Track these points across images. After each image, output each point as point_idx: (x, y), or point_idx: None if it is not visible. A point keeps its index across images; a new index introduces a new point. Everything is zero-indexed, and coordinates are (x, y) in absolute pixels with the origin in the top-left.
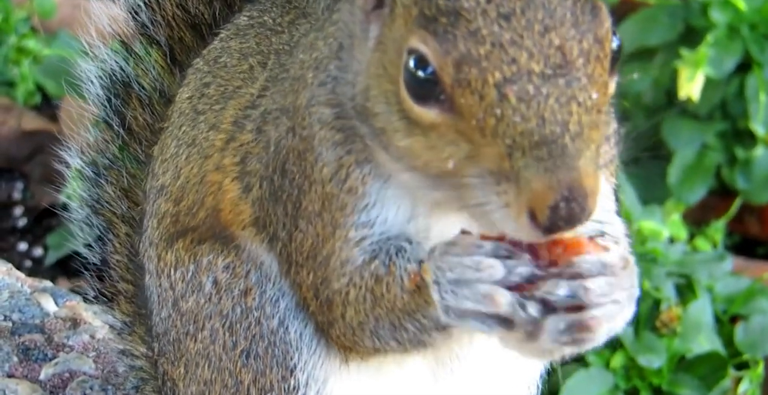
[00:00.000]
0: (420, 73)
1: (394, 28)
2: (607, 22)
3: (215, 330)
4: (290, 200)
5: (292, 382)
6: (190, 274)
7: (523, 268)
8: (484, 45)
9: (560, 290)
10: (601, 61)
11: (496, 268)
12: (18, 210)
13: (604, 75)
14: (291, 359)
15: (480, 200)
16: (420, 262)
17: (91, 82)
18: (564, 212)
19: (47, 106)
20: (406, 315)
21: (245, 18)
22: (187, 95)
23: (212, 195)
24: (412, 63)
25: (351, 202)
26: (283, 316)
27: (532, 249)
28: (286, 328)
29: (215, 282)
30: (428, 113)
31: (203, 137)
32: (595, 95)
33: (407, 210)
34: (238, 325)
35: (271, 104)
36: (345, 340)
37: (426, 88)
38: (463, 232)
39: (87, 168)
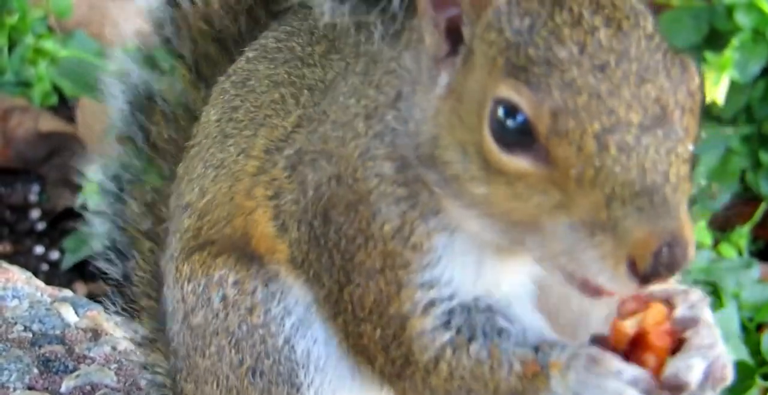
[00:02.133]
0: (509, 123)
1: (471, 77)
2: (697, 77)
3: (222, 347)
4: (337, 250)
5: None
6: (201, 288)
7: None
8: (581, 95)
9: (696, 365)
10: (694, 115)
11: None
12: (35, 213)
13: (695, 128)
14: (297, 376)
15: (570, 252)
16: (536, 349)
17: (115, 96)
18: (667, 258)
19: (64, 107)
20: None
21: (272, 40)
22: (215, 118)
23: (242, 216)
24: (501, 112)
25: (415, 259)
26: (288, 335)
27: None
28: (292, 347)
29: (224, 298)
30: (519, 163)
31: (232, 160)
32: (690, 147)
33: (473, 267)
34: (244, 342)
35: (307, 144)
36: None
37: (516, 138)
38: (597, 340)
39: (110, 183)
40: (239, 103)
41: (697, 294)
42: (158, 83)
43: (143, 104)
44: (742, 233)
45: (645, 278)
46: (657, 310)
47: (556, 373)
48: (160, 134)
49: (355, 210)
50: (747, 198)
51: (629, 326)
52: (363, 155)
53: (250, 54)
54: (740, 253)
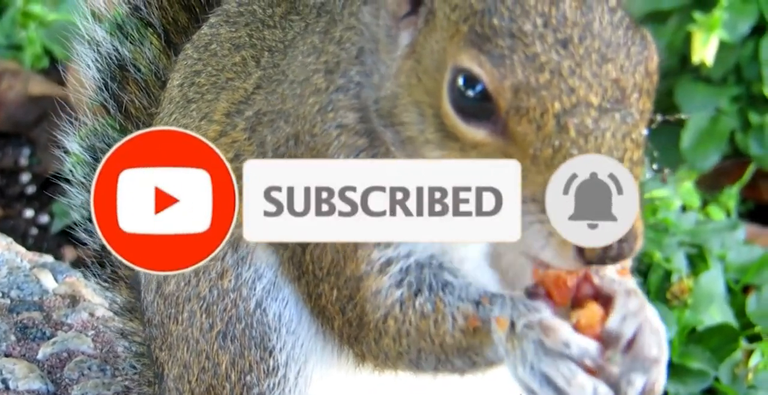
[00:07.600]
0: (469, 93)
1: (432, 39)
2: (656, 55)
3: (193, 313)
4: None
5: (272, 363)
6: None
7: (604, 388)
8: (543, 73)
9: (637, 380)
10: (650, 96)
11: (587, 390)
12: (25, 177)
13: (650, 110)
14: (269, 340)
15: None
16: (477, 303)
17: (88, 66)
18: (615, 252)
19: (55, 70)
20: (455, 351)
21: (234, 4)
22: (177, 82)
23: None
24: (461, 82)
25: None
26: (260, 298)
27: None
28: (264, 310)
29: None
30: (476, 133)
31: (195, 125)
32: (644, 131)
33: None
34: (215, 307)
35: (266, 105)
36: (372, 359)
37: (475, 108)
38: (532, 292)
39: (85, 153)
40: (201, 67)
41: (636, 302)
42: (130, 52)
43: (116, 72)
44: (731, 194)
45: (590, 263)
46: (591, 312)
47: (500, 332)
48: (133, 102)
49: None
50: (736, 159)
51: None
52: (322, 109)
53: (213, 19)
54: (729, 214)
